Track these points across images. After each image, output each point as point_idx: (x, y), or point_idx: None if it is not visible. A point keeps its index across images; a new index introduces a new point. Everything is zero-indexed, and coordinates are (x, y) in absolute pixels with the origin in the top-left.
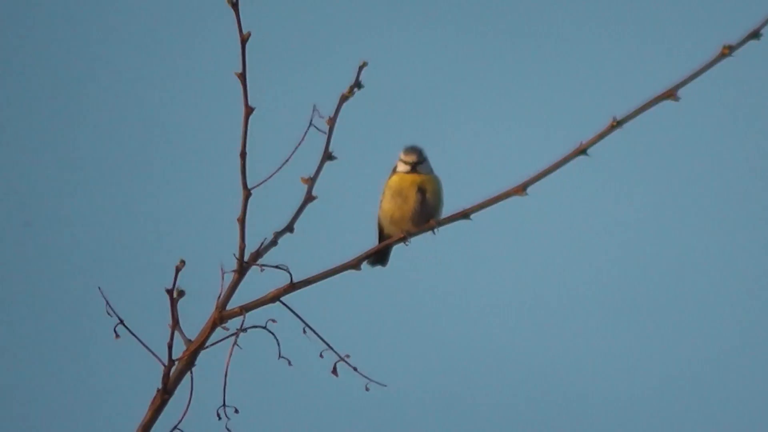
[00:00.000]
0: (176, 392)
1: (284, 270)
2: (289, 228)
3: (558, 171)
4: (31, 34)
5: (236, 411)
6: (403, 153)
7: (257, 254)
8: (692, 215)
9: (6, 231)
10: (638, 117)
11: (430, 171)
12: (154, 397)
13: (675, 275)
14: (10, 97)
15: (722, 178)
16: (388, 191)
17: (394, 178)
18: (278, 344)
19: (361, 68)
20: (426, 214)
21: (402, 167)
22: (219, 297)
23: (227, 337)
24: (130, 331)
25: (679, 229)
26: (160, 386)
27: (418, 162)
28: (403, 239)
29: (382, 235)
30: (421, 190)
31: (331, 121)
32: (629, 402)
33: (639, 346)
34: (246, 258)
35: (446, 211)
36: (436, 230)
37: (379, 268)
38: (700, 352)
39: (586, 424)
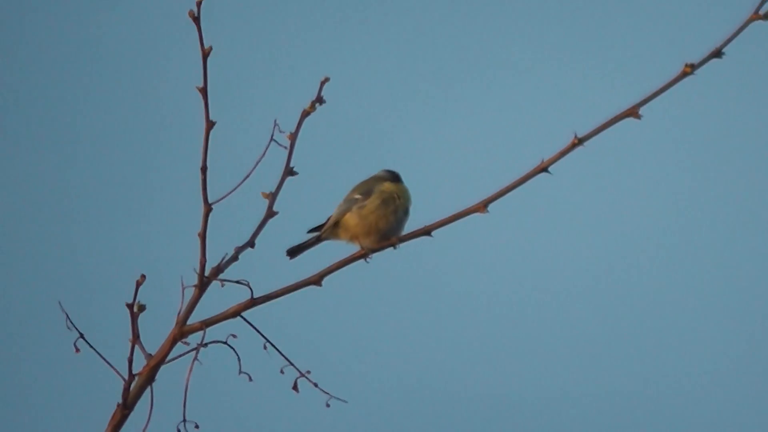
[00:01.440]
0: (136, 407)
1: (245, 285)
2: (250, 243)
3: (519, 188)
4: None
5: (196, 426)
6: (383, 171)
7: (218, 269)
8: (651, 232)
9: None
10: (600, 135)
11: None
12: (114, 412)
13: (642, 288)
14: None
15: (685, 199)
16: (378, 197)
17: (387, 185)
18: (239, 360)
19: (323, 84)
20: (397, 226)
21: (387, 182)
22: (179, 312)
23: (188, 352)
24: (90, 345)
25: (640, 246)
26: (120, 401)
27: (397, 175)
28: (365, 255)
29: (333, 229)
30: (405, 205)
31: (293, 137)
32: (625, 402)
33: (620, 357)
34: (207, 273)
35: (408, 228)
36: (397, 246)
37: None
38: (697, 351)
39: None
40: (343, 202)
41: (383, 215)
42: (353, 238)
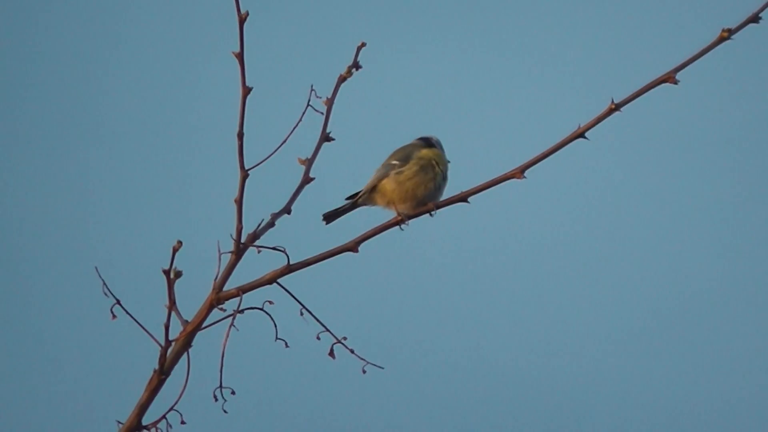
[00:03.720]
0: (173, 373)
1: (281, 251)
2: (287, 209)
3: (556, 154)
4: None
5: (233, 392)
6: (419, 138)
7: (254, 235)
8: (690, 201)
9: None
10: (637, 100)
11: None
12: (151, 378)
13: (677, 260)
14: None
15: (721, 165)
16: (418, 163)
17: (431, 153)
18: (275, 326)
19: (359, 49)
20: (435, 193)
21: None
22: (216, 278)
23: (224, 318)
24: (126, 311)
25: (679, 214)
26: (156, 367)
27: (432, 145)
28: (401, 222)
29: (369, 197)
30: (443, 176)
31: (329, 102)
32: (630, 397)
33: (640, 334)
34: (243, 239)
35: (445, 194)
36: (433, 213)
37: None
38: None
39: (583, 420)
40: (381, 167)
41: (421, 182)
42: (390, 203)
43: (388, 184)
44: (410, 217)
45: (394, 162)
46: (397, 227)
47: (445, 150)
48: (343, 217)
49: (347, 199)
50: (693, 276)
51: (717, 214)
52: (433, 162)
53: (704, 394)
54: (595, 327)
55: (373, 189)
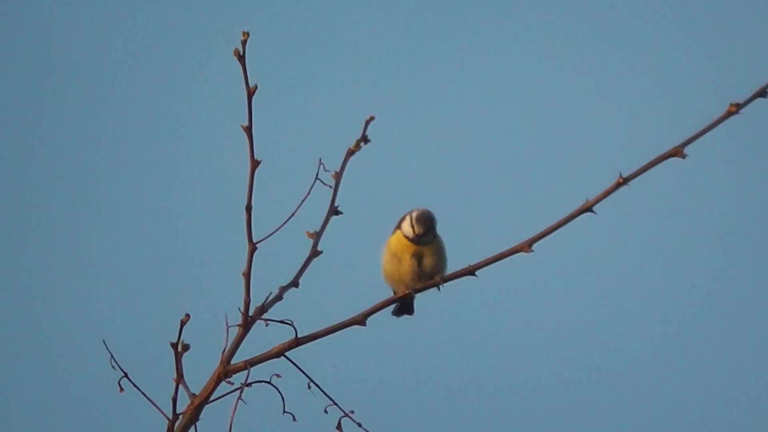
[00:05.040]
0: None
1: (289, 325)
2: (295, 283)
3: (564, 228)
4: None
5: None
6: (415, 220)
7: (262, 309)
8: (697, 276)
9: (9, 286)
10: (645, 174)
11: (434, 237)
12: None
13: (685, 338)
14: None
15: (731, 232)
16: (387, 251)
17: (393, 239)
18: (283, 399)
19: (368, 122)
20: (426, 274)
21: (407, 229)
22: (224, 351)
23: (232, 391)
24: (134, 384)
25: (686, 288)
26: None
27: (424, 235)
28: (408, 295)
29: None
30: (417, 256)
31: (338, 176)
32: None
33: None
34: (251, 312)
35: (453, 267)
36: (441, 287)
37: (406, 317)
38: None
39: None
40: None
41: (395, 269)
42: (397, 289)
43: (382, 270)
44: (417, 291)
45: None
46: (408, 298)
47: (427, 223)
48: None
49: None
50: (703, 355)
51: (725, 289)
52: (398, 250)
53: None
54: (602, 404)
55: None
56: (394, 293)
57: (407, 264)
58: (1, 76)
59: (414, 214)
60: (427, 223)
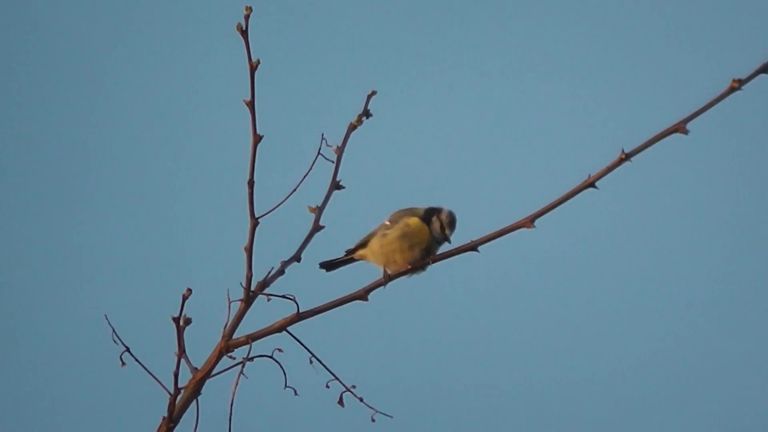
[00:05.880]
0: (182, 421)
1: (291, 300)
2: (297, 257)
3: (566, 203)
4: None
5: None
6: (448, 223)
7: (264, 283)
8: (698, 249)
9: (13, 262)
10: (647, 150)
11: None
12: (160, 426)
13: (687, 312)
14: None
15: (732, 209)
16: (400, 231)
17: (416, 226)
18: (284, 374)
19: (369, 97)
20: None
21: (435, 227)
22: (225, 326)
23: (233, 366)
24: (136, 359)
25: (687, 262)
26: (165, 414)
27: (449, 237)
28: (383, 283)
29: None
30: (427, 249)
31: (339, 150)
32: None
33: (641, 386)
34: (253, 287)
35: (455, 243)
36: (426, 268)
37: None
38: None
39: None
40: (378, 226)
41: (399, 248)
42: (377, 262)
43: (374, 244)
44: (399, 276)
45: (387, 222)
46: (404, 276)
47: (456, 226)
48: (342, 267)
49: (346, 251)
50: (703, 329)
51: (727, 265)
52: (415, 232)
53: None
54: (599, 374)
55: (364, 245)
56: (385, 271)
57: (417, 253)
58: None
59: (446, 217)
60: (456, 226)
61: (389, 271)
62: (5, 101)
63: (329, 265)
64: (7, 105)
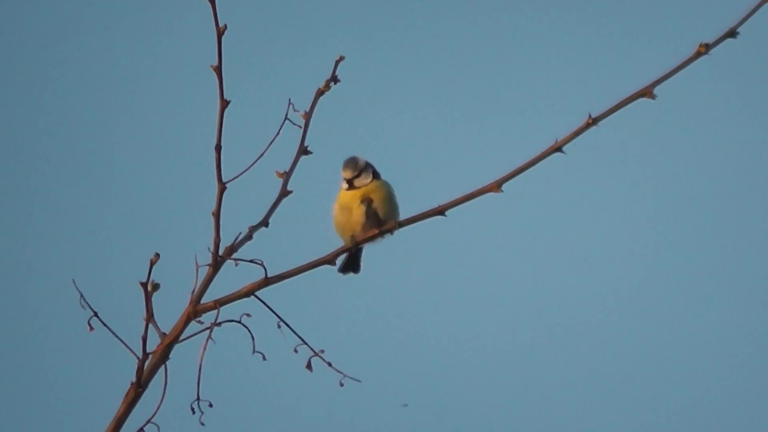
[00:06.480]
0: (150, 386)
1: (259, 264)
2: (264, 222)
3: (533, 168)
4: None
5: (210, 405)
6: (342, 168)
7: (232, 248)
8: (665, 214)
9: None
10: (614, 114)
11: (373, 177)
12: (128, 391)
13: (656, 271)
14: None
15: (700, 174)
16: (336, 206)
17: (340, 194)
18: (253, 339)
19: (337, 63)
20: (377, 221)
21: (343, 184)
22: (193, 291)
23: (201, 331)
24: (104, 323)
25: (654, 226)
26: (134, 380)
27: (355, 177)
28: (348, 249)
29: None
30: (366, 201)
31: (307, 116)
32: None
33: (620, 347)
34: (221, 252)
35: (423, 209)
36: (394, 231)
37: (351, 275)
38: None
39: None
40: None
41: (346, 220)
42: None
43: (334, 224)
44: (363, 241)
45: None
46: (349, 251)
47: (351, 166)
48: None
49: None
50: (670, 294)
51: (695, 228)
52: (345, 201)
53: None
54: (570, 340)
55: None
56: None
57: (357, 213)
58: None
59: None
60: (350, 164)
61: (351, 239)
62: None
63: (347, 267)
64: None
